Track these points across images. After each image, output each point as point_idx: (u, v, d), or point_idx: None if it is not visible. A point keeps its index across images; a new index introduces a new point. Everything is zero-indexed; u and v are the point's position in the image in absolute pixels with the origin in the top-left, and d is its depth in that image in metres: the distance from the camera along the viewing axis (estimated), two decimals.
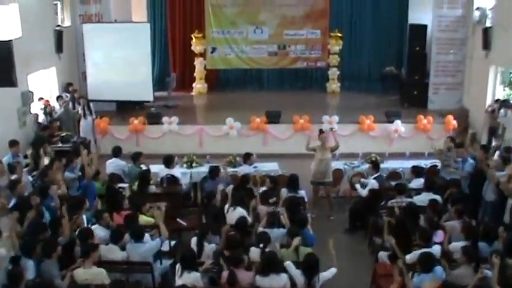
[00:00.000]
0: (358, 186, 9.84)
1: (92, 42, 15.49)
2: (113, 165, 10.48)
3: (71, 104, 13.95)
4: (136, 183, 9.58)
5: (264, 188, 9.16)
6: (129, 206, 8.29)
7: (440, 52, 16.02)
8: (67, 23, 16.16)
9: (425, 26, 16.37)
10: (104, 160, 10.77)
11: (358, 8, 18.71)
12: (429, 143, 11.72)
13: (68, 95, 14.52)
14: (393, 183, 9.65)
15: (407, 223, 7.49)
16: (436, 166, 10.72)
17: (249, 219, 8.01)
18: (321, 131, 10.67)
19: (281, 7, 18.38)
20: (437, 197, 8.69)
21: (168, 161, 10.35)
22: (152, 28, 17.70)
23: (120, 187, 9.45)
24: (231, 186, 9.19)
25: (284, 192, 9.07)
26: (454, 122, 14.32)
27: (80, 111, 13.76)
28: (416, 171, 9.97)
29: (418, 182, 9.64)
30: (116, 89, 15.51)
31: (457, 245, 6.86)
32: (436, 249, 6.89)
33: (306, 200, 8.95)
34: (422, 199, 8.63)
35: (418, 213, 7.90)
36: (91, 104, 14.12)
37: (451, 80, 16.14)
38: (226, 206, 8.31)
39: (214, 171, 9.78)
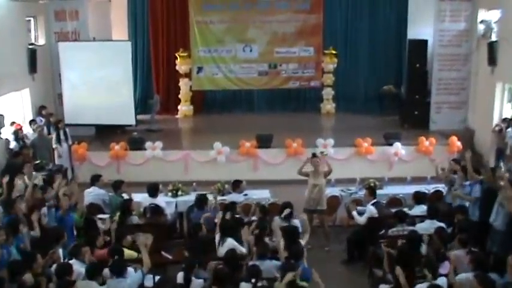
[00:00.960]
0: (355, 213, 9.80)
1: (68, 62, 15.54)
2: (91, 194, 10.42)
3: (45, 129, 13.89)
4: (118, 214, 9.51)
5: (253, 218, 9.13)
6: (108, 240, 8.22)
7: (442, 69, 16.17)
8: (41, 41, 16.23)
9: (425, 41, 16.54)
10: (82, 189, 10.70)
11: (353, 23, 18.90)
12: (431, 167, 11.73)
13: (43, 119, 14.48)
14: (393, 210, 9.60)
15: (410, 253, 7.46)
16: (440, 191, 10.75)
17: (243, 250, 7.96)
18: (314, 155, 10.65)
19: (271, 23, 18.51)
20: (442, 225, 8.66)
21: (152, 189, 10.29)
22: (134, 47, 17.74)
23: (100, 218, 9.38)
24: (220, 214, 9.16)
25: (277, 221, 9.03)
26: (459, 144, 14.38)
27: (55, 137, 13.67)
28: (419, 197, 9.96)
29: (420, 209, 9.63)
30: (95, 112, 15.51)
31: (464, 277, 6.83)
32: (442, 282, 6.85)
33: (301, 229, 8.89)
34: (425, 227, 8.60)
35: (421, 242, 7.88)
36: (67, 129, 14.07)
37: (455, 98, 16.27)
38: (217, 237, 8.27)
39: (201, 200, 9.74)
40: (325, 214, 10.48)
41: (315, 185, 10.21)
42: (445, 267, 7.27)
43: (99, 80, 15.56)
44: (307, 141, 14.33)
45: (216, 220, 8.87)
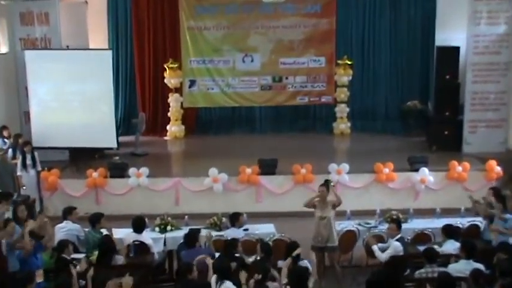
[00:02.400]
0: (375, 248, 9.73)
1: (37, 74, 15.54)
2: (63, 230, 10.31)
3: (10, 153, 13.86)
4: (96, 253, 9.43)
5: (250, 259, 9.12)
6: (83, 285, 8.13)
7: (477, 80, 16.12)
8: (3, 48, 16.26)
9: (457, 49, 16.53)
10: (53, 224, 10.61)
11: (371, 28, 19.00)
12: (465, 197, 11.66)
13: (7, 140, 14.44)
14: (421, 247, 9.53)
15: None
16: (477, 226, 10.66)
17: None
18: (327, 182, 10.57)
19: (276, 29, 18.62)
20: (480, 266, 8.56)
21: (136, 224, 10.22)
22: (115, 56, 17.85)
23: (73, 259, 9.29)
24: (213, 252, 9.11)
25: (281, 264, 8.96)
26: (498, 169, 14.33)
27: (20, 162, 13.60)
28: (450, 233, 9.83)
29: (452, 246, 9.52)
30: (69, 133, 15.47)
31: None
32: None
33: (310, 271, 8.81)
34: (459, 268, 8.48)
35: (454, 287, 7.78)
36: (36, 153, 14.03)
37: (492, 115, 16.23)
38: (213, 280, 8.19)
39: (192, 237, 9.68)
40: (336, 251, 10.38)
41: (323, 218, 10.16)
42: None
43: (73, 96, 15.54)
44: (318, 167, 14.29)
45: (207, 261, 8.80)
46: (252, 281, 8.16)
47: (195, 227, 10.32)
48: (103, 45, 18.43)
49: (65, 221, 10.46)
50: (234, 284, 8.03)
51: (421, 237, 10.62)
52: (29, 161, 13.70)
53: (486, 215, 10.29)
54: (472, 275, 7.95)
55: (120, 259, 9.45)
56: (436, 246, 9.58)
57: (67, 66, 15.48)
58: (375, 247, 9.78)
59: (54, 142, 15.48)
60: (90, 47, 17.49)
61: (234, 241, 9.48)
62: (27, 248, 8.99)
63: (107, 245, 9.45)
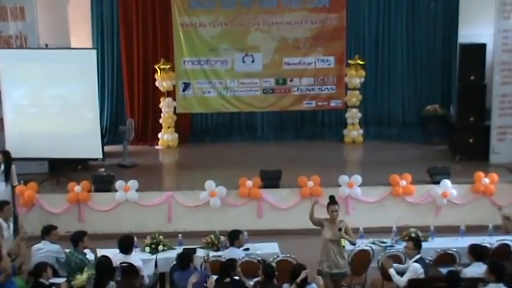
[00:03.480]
0: (392, 271, 9.69)
1: (11, 76, 15.49)
2: (42, 251, 10.26)
3: None
4: (79, 277, 9.39)
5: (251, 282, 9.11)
6: None
7: (506, 82, 16.05)
8: None
9: (483, 46, 16.50)
10: (30, 245, 10.59)
11: (386, 24, 18.98)
12: (494, 212, 11.64)
13: None
14: (444, 270, 9.50)
15: None
16: (507, 245, 10.62)
17: None
18: (332, 200, 10.48)
19: (279, 25, 18.61)
20: None
21: (124, 243, 10.21)
22: (100, 57, 17.84)
23: (52, 284, 9.25)
24: (213, 278, 9.08)
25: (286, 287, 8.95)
26: None
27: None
28: (477, 253, 9.77)
29: (479, 269, 9.45)
30: (48, 142, 15.42)
31: None
32: None
33: None
34: None
35: None
36: (13, 166, 13.99)
37: None
38: None
39: (185, 257, 9.67)
40: (347, 278, 10.32)
41: (332, 241, 10.09)
42: None
43: (53, 100, 15.51)
44: (327, 179, 14.30)
45: (206, 284, 8.78)
46: None
47: (190, 247, 10.30)
48: (86, 43, 18.45)
49: (43, 241, 10.39)
50: None
51: (444, 258, 10.57)
52: (0, 175, 13.62)
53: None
54: None
55: (113, 285, 9.40)
56: (460, 268, 9.56)
57: (46, 68, 15.43)
58: (391, 271, 9.72)
59: (31, 152, 15.41)
60: (72, 45, 17.37)
61: (232, 262, 9.47)
62: (7, 272, 8.95)
63: (105, 267, 9.38)
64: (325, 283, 9.61)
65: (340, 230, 10.05)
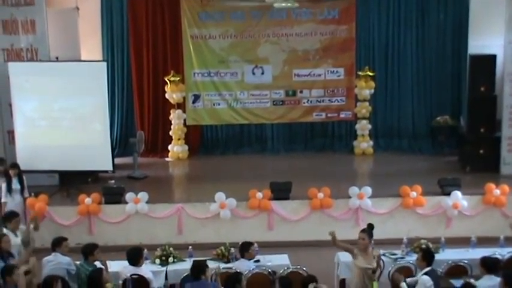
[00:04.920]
0: (404, 286, 9.63)
1: (22, 89, 15.55)
2: (52, 263, 10.27)
3: None
4: None
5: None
6: None
7: None
8: None
9: (493, 57, 16.47)
10: (41, 257, 10.60)
11: (396, 35, 18.96)
12: (505, 223, 11.60)
13: None
14: (455, 281, 9.44)
15: None
16: None
17: None
18: (370, 227, 10.21)
19: (289, 37, 18.65)
20: None
21: (134, 255, 10.21)
22: (110, 69, 17.89)
23: None
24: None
25: None
26: None
27: (5, 188, 13.60)
28: (489, 265, 9.72)
29: (491, 281, 9.42)
30: (59, 155, 15.50)
31: None
32: None
33: None
34: None
35: None
36: (24, 177, 14.03)
37: None
38: None
39: (199, 268, 9.61)
40: None
41: (365, 270, 9.67)
42: None
43: (64, 113, 15.58)
44: (337, 191, 14.28)
45: None
46: None
47: (201, 259, 10.28)
48: (96, 56, 18.50)
49: (53, 253, 10.40)
50: None
51: (456, 269, 10.52)
52: (14, 186, 13.69)
53: None
54: None
55: None
56: (472, 280, 9.51)
57: (56, 80, 15.50)
58: (403, 285, 9.67)
59: (42, 165, 15.49)
60: (82, 58, 17.54)
61: (238, 275, 9.50)
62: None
63: (95, 281, 9.41)
64: None
65: (374, 272, 9.71)
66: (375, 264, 9.64)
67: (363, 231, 10.00)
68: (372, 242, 9.92)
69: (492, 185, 14.22)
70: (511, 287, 8.70)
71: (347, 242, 10.92)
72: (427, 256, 9.89)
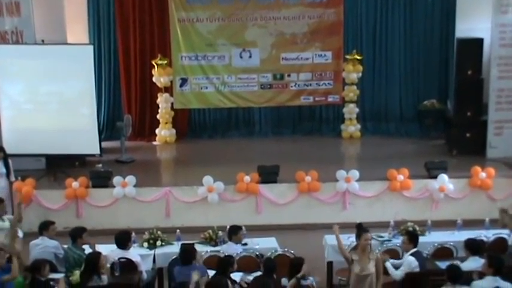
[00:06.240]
0: (389, 265, 9.74)
1: (8, 73, 15.49)
2: (39, 247, 10.33)
3: None
4: (77, 273, 9.44)
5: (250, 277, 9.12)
6: None
7: (503, 76, 16.06)
8: None
9: (480, 41, 16.50)
10: (28, 241, 10.64)
11: (384, 19, 18.99)
12: (491, 206, 11.67)
13: None
14: (441, 263, 9.60)
15: None
16: (504, 239, 10.68)
17: None
18: (360, 227, 9.86)
19: (276, 21, 18.60)
20: (508, 285, 8.63)
21: (122, 239, 10.25)
22: (97, 53, 17.80)
23: (50, 279, 9.29)
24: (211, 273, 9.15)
25: (285, 282, 9.00)
26: None
27: None
28: (473, 247, 9.85)
29: (476, 264, 9.52)
30: (46, 138, 15.45)
31: None
32: None
33: None
34: (486, 286, 8.53)
35: None
36: (9, 160, 14.02)
37: None
38: None
39: (188, 253, 9.69)
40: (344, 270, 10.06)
41: (364, 277, 9.22)
42: None
43: (50, 97, 15.52)
44: (325, 174, 14.30)
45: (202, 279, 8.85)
46: None
47: (188, 242, 10.33)
48: (83, 39, 18.36)
49: (40, 237, 10.45)
50: None
51: (442, 252, 10.64)
52: (0, 170, 13.67)
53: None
54: None
55: (105, 279, 9.47)
56: (457, 262, 9.61)
57: (42, 64, 15.45)
58: (388, 264, 9.76)
59: (28, 149, 15.44)
60: (69, 41, 17.38)
61: (230, 258, 9.51)
62: (15, 275, 9.01)
63: (94, 263, 9.46)
64: None
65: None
66: (371, 268, 9.15)
67: (365, 231, 9.46)
68: (371, 243, 9.60)
69: (478, 168, 14.31)
70: (494, 268, 8.81)
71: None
72: (412, 238, 10.00)
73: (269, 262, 9.43)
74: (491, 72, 16.11)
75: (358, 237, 9.48)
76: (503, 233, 10.82)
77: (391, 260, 9.95)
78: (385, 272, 9.78)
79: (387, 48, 19.04)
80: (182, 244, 10.18)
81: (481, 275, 8.94)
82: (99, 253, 9.81)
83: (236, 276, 9.48)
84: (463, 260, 9.89)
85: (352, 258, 9.27)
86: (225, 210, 13.95)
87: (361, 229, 9.63)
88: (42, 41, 16.13)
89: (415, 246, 9.87)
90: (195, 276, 8.81)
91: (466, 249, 9.94)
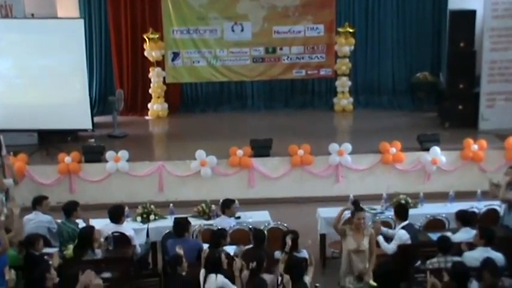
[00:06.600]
0: (381, 239, 9.77)
1: None
2: (33, 221, 10.35)
3: None
4: (71, 247, 9.48)
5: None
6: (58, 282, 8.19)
7: (496, 48, 16.05)
8: None
9: (473, 12, 16.43)
10: (21, 216, 10.55)
11: None
12: (482, 178, 11.71)
13: None
14: (433, 235, 9.65)
15: None
16: (495, 210, 10.73)
17: None
18: (356, 205, 9.81)
19: None
20: (499, 255, 8.66)
21: (115, 213, 10.26)
22: (88, 26, 17.79)
23: (44, 254, 9.33)
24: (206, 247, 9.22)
25: (278, 255, 9.05)
26: None
27: None
28: (465, 219, 9.89)
29: (467, 235, 9.58)
30: (37, 113, 15.44)
31: None
32: None
33: (309, 261, 8.89)
34: (477, 257, 8.57)
35: (469, 277, 7.87)
36: (0, 136, 13.98)
37: None
38: (202, 274, 8.34)
39: (182, 226, 9.74)
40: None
41: (357, 252, 9.15)
42: None
43: (41, 71, 15.46)
44: (317, 148, 14.36)
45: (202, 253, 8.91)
46: (245, 272, 8.26)
47: (182, 216, 10.37)
48: (73, 13, 18.32)
49: (34, 212, 10.48)
50: (225, 277, 8.15)
51: (434, 224, 10.68)
52: None
53: (505, 198, 10.34)
54: (485, 264, 8.01)
55: (99, 253, 9.52)
56: (449, 234, 9.67)
57: (32, 38, 15.38)
58: (380, 238, 9.75)
59: (20, 124, 15.44)
60: (59, 15, 17.33)
61: (223, 231, 9.58)
62: (5, 247, 9.02)
63: (87, 238, 9.49)
64: None
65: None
66: (365, 244, 9.08)
67: (360, 210, 9.37)
68: (366, 220, 9.54)
69: (470, 141, 14.35)
70: (486, 239, 8.88)
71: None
72: (401, 211, 10.04)
73: (258, 233, 9.48)
74: (484, 44, 16.09)
75: (353, 214, 9.46)
76: (495, 204, 10.86)
77: (385, 229, 9.99)
78: (378, 245, 9.84)
79: (379, 20, 19.02)
80: (176, 218, 10.21)
81: (472, 246, 9.03)
82: (93, 227, 9.84)
83: (230, 249, 9.48)
84: (454, 231, 9.95)
85: (346, 233, 9.18)
86: (218, 184, 13.99)
87: (355, 207, 9.53)
88: (32, 15, 16.07)
89: (406, 219, 9.91)
90: (179, 250, 8.89)
91: (457, 221, 9.99)
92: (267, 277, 8.18)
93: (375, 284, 8.69)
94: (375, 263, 9.15)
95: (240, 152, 14.21)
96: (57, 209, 10.67)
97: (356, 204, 9.79)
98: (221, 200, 11.11)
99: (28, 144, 15.48)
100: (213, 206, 11.18)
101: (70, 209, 10.35)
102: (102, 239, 9.96)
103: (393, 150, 14.22)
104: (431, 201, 11.68)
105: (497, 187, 10.64)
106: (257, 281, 7.76)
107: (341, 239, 9.29)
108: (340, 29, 18.37)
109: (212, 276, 8.18)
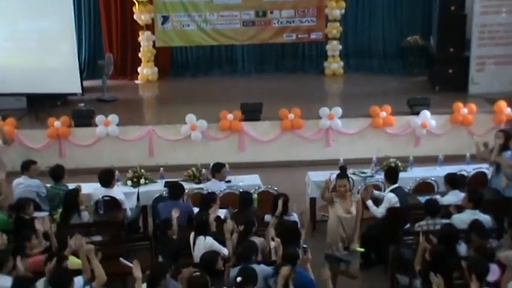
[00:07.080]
0: (370, 203, 9.75)
1: None
2: (22, 186, 10.35)
3: None
4: (60, 211, 9.49)
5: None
6: (48, 246, 8.22)
7: (486, 11, 16.01)
8: None
9: None
10: (10, 180, 10.67)
11: None
12: (471, 142, 11.74)
13: None
14: (422, 198, 9.70)
15: (447, 254, 7.52)
16: (483, 173, 10.81)
17: (225, 252, 8.07)
18: (342, 171, 9.86)
19: None
20: (486, 217, 8.74)
21: (105, 177, 10.28)
22: None
23: (34, 218, 9.33)
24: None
25: (268, 218, 9.09)
26: (509, 110, 14.38)
27: None
28: (453, 182, 9.95)
29: (456, 198, 9.63)
30: (26, 77, 15.38)
31: None
32: None
33: (300, 225, 8.93)
34: (465, 219, 8.64)
35: (457, 239, 7.95)
36: None
37: (503, 50, 16.20)
38: (192, 236, 8.41)
39: (176, 189, 9.81)
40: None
41: (344, 218, 8.71)
42: (493, 273, 7.21)
43: (29, 34, 15.40)
44: (308, 112, 14.38)
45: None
46: (235, 235, 8.31)
47: (172, 180, 10.40)
48: None
49: (22, 176, 10.46)
50: (214, 239, 8.21)
51: (423, 187, 10.77)
52: None
53: (493, 161, 10.39)
54: (472, 227, 8.10)
55: (85, 216, 9.53)
56: (438, 197, 9.74)
57: (21, 1, 15.29)
58: (369, 202, 9.72)
59: (8, 88, 15.39)
60: None
61: (213, 195, 9.61)
62: None
63: (72, 200, 9.53)
64: (334, 271, 8.50)
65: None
66: (353, 211, 8.73)
67: (341, 177, 8.94)
68: (351, 186, 9.30)
69: (460, 104, 14.39)
70: (474, 202, 8.95)
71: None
72: (391, 174, 10.08)
73: (245, 195, 9.55)
74: (474, 8, 16.03)
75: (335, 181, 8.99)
76: (483, 167, 10.94)
77: (377, 192, 10.03)
78: (367, 208, 9.83)
79: None
80: (168, 181, 10.24)
81: (461, 208, 9.09)
82: (77, 190, 9.86)
83: (220, 213, 9.50)
84: (443, 194, 10.02)
85: (333, 200, 8.79)
86: (209, 148, 14.01)
87: (339, 173, 9.24)
88: None
89: (395, 182, 9.93)
90: (175, 214, 8.93)
91: (446, 184, 10.04)
92: (257, 240, 8.24)
93: (362, 249, 8.82)
94: (363, 227, 9.23)
95: (230, 116, 14.21)
96: (47, 173, 10.65)
97: (341, 170, 9.84)
98: (211, 164, 11.11)
99: (17, 108, 15.42)
100: (204, 170, 11.22)
101: (59, 173, 10.37)
102: (91, 203, 10.03)
103: (383, 114, 14.23)
104: (420, 164, 11.76)
105: (486, 148, 10.68)
106: (247, 243, 7.81)
107: (329, 207, 8.90)
108: None
109: (201, 238, 8.25)
